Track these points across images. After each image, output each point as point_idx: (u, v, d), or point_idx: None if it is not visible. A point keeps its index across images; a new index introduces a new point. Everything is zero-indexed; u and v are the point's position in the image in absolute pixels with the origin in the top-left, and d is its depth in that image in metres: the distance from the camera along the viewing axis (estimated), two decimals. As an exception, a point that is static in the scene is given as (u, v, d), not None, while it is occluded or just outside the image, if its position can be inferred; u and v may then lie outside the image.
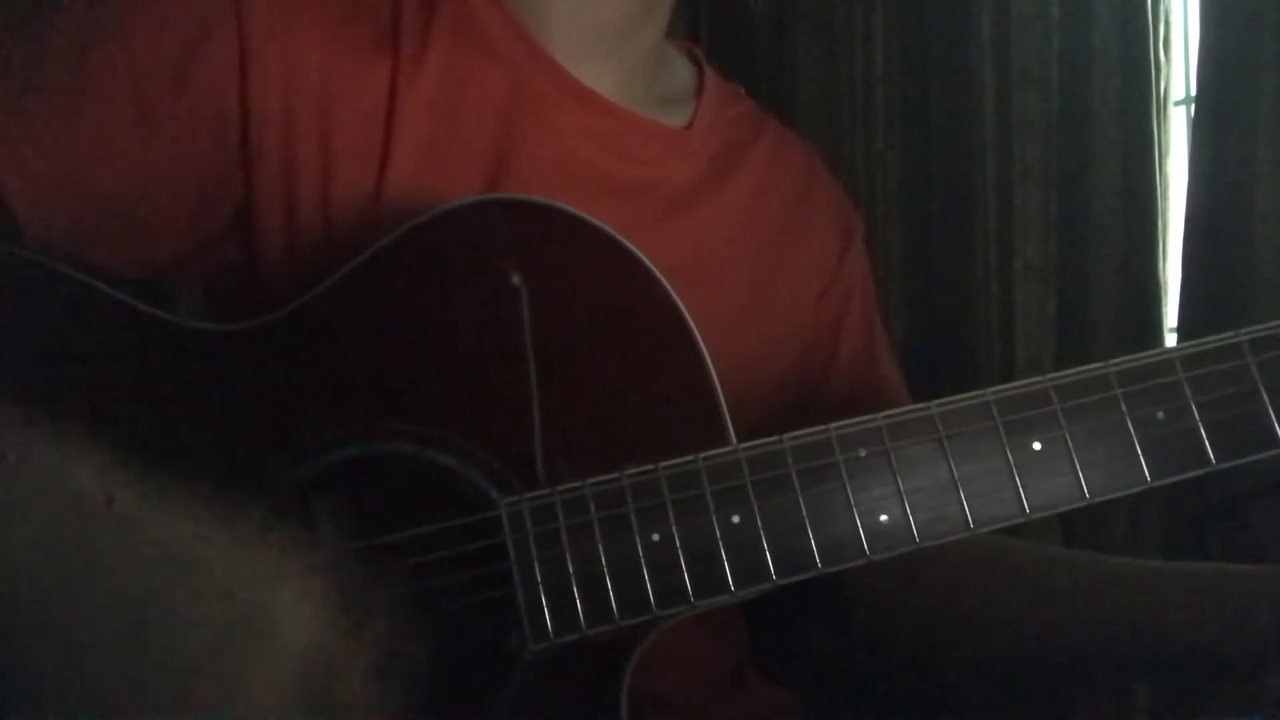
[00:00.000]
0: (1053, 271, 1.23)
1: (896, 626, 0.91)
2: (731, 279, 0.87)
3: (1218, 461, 0.65)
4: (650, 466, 0.65)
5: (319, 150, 0.76)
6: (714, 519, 0.65)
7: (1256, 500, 0.93)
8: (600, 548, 0.64)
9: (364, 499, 0.68)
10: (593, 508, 0.64)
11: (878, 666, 0.98)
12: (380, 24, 0.80)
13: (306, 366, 0.69)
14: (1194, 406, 0.65)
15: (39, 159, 0.70)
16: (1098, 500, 0.65)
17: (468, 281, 0.69)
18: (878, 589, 0.87)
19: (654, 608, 0.64)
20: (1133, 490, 0.65)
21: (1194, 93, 1.10)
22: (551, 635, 0.64)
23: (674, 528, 0.64)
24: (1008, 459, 0.65)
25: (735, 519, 0.65)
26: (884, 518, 0.65)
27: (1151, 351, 0.67)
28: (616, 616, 0.64)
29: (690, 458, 0.65)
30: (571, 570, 0.64)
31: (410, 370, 0.68)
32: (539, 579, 0.64)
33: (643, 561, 0.64)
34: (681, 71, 0.95)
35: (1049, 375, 0.66)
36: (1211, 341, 0.66)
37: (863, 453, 0.65)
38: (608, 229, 0.69)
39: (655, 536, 0.64)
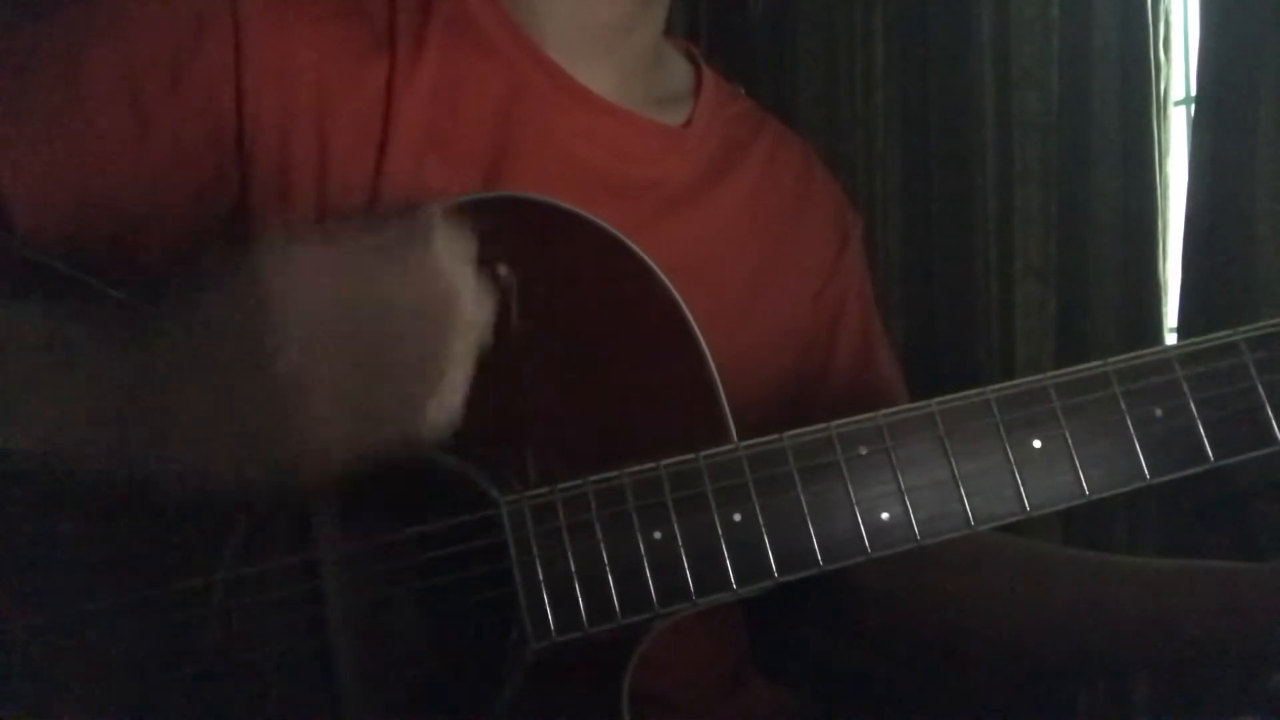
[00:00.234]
0: (1053, 271, 1.23)
1: (896, 626, 0.91)
2: (730, 278, 0.87)
3: (1216, 459, 0.65)
4: (652, 465, 0.65)
5: (315, 149, 0.76)
6: (715, 517, 0.65)
7: (1256, 498, 0.93)
8: (602, 546, 0.64)
9: (364, 498, 0.68)
10: (594, 506, 0.65)
11: (878, 666, 0.98)
12: (377, 23, 0.80)
13: None
14: (1192, 404, 0.66)
15: (35, 158, 0.70)
16: (1097, 497, 0.65)
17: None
18: (877, 588, 0.87)
19: (656, 606, 0.64)
20: (1132, 487, 0.66)
21: (1194, 93, 1.10)
22: (553, 634, 0.64)
23: (676, 526, 0.64)
24: (1008, 456, 0.66)
25: (737, 517, 0.65)
26: (885, 515, 0.65)
27: (1150, 350, 0.67)
28: (619, 615, 0.64)
29: (691, 456, 0.66)
30: (573, 568, 0.64)
31: None
32: (540, 577, 0.64)
33: (644, 559, 0.64)
34: (679, 71, 0.95)
35: (1049, 373, 0.67)
36: (1209, 340, 0.67)
37: (864, 451, 0.66)
38: (607, 226, 0.69)
39: (657, 534, 0.64)
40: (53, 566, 0.63)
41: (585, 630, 0.64)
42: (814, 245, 0.95)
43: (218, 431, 0.60)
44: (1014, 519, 0.66)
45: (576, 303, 0.70)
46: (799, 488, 0.65)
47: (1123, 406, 0.66)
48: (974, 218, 1.29)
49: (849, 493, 0.65)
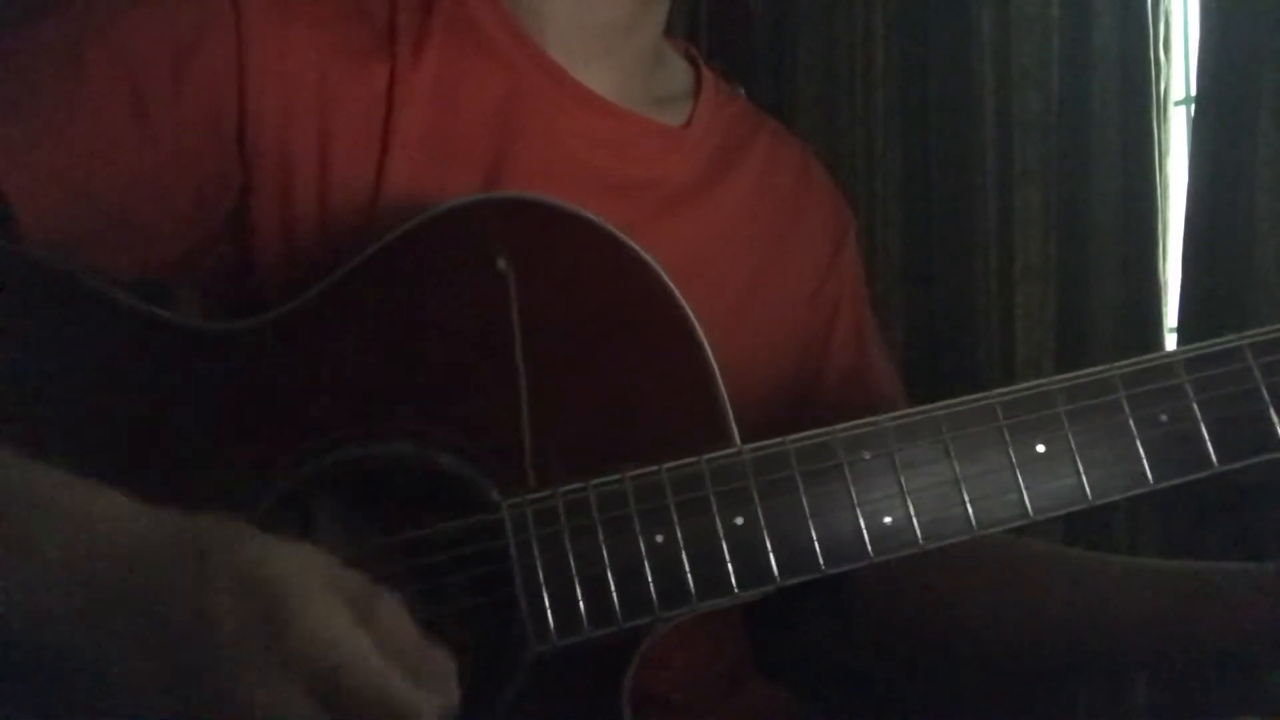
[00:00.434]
0: (1053, 271, 1.23)
1: (896, 625, 0.91)
2: (729, 278, 0.87)
3: (1220, 464, 0.65)
4: (654, 468, 0.65)
5: (316, 150, 0.76)
6: (717, 520, 0.65)
7: (1256, 499, 0.93)
8: (603, 549, 0.64)
9: (365, 501, 0.68)
10: (595, 509, 0.64)
11: (878, 666, 0.98)
12: (377, 24, 0.80)
13: (304, 367, 0.69)
14: (1197, 409, 0.65)
15: (36, 159, 0.70)
16: (1101, 502, 0.65)
17: (467, 280, 0.69)
18: (877, 588, 0.87)
19: (657, 609, 0.64)
20: (1136, 492, 0.65)
21: (1194, 93, 1.10)
22: (554, 636, 0.63)
23: (677, 529, 0.64)
24: (1011, 461, 0.65)
25: (739, 520, 0.65)
26: (888, 519, 0.65)
27: (1155, 354, 0.67)
28: (619, 618, 0.64)
29: (694, 459, 0.65)
30: (574, 571, 0.64)
31: (410, 370, 0.68)
32: (541, 580, 0.64)
33: (646, 563, 0.64)
34: (679, 71, 0.95)
35: (1053, 378, 0.66)
36: (1214, 344, 0.66)
37: (866, 455, 0.66)
38: (610, 227, 0.69)
39: (659, 537, 0.64)
40: None
41: (586, 633, 0.64)
42: (811, 245, 0.95)
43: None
44: (1017, 523, 0.65)
45: (579, 303, 0.69)
46: (801, 491, 0.65)
47: (1127, 411, 0.65)
48: (974, 218, 1.29)
49: (851, 496, 0.65)
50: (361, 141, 0.77)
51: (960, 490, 0.65)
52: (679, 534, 0.64)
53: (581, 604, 0.63)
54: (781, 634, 0.93)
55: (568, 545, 0.64)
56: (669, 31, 0.94)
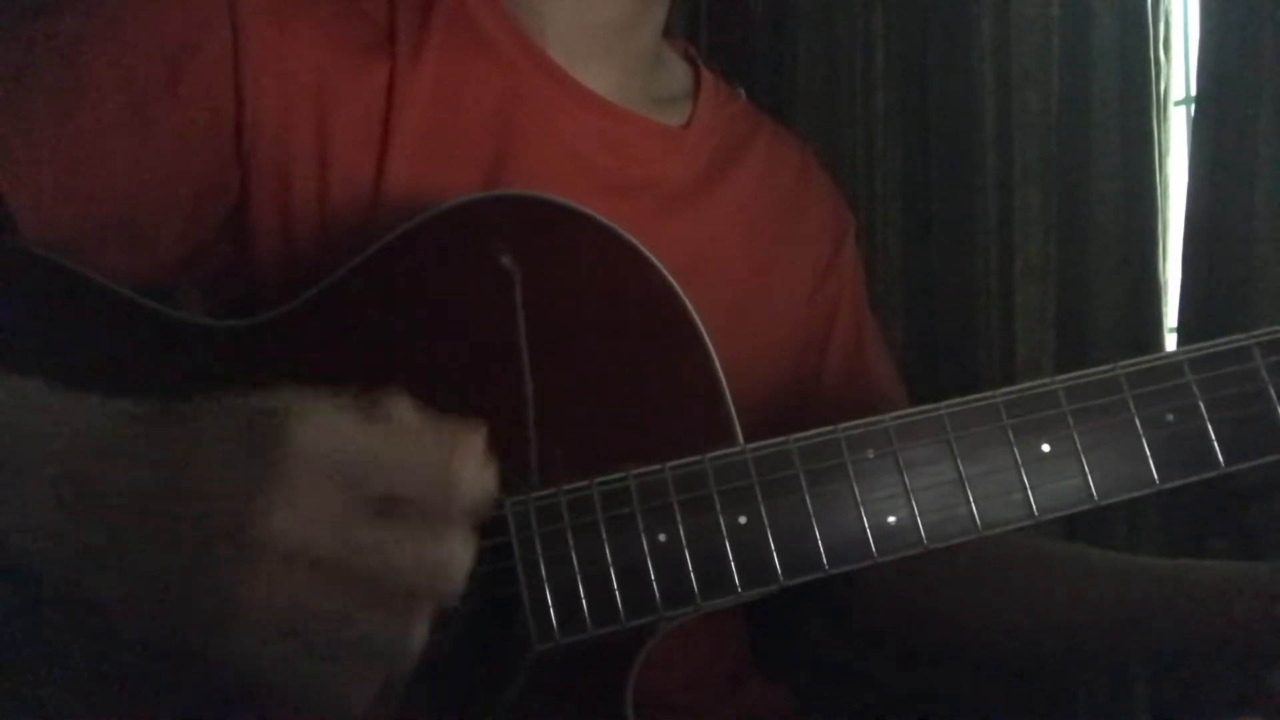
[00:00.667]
0: (1053, 271, 1.23)
1: (897, 625, 0.91)
2: (728, 278, 0.87)
3: (1227, 464, 0.65)
4: (657, 466, 0.65)
5: (315, 150, 0.76)
6: (721, 520, 0.64)
7: (1256, 500, 0.93)
8: (606, 548, 0.64)
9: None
10: (599, 507, 0.64)
11: (878, 666, 0.99)
12: (377, 24, 0.80)
13: (306, 365, 0.68)
14: (1203, 409, 0.65)
15: (35, 158, 0.69)
16: (1106, 503, 0.65)
17: (471, 278, 0.69)
18: (878, 588, 0.87)
19: (660, 608, 0.64)
20: (1141, 493, 0.65)
21: (1194, 93, 1.10)
22: (556, 635, 0.63)
23: (681, 528, 0.64)
24: (1016, 460, 0.65)
25: (742, 520, 0.64)
26: (892, 519, 0.65)
27: (1161, 353, 0.66)
28: (622, 617, 0.64)
29: (697, 458, 0.65)
30: (577, 570, 0.64)
31: (415, 368, 0.68)
32: (544, 579, 0.64)
33: (649, 562, 0.64)
34: (678, 72, 0.96)
35: (1058, 377, 0.66)
36: (1221, 344, 0.66)
37: (870, 454, 0.65)
38: (613, 225, 0.69)
39: (662, 537, 0.64)
40: None
41: (589, 632, 0.63)
42: (811, 245, 0.95)
43: None
44: (1022, 524, 0.65)
45: (582, 302, 0.69)
46: (805, 490, 0.65)
47: (1133, 410, 0.65)
48: (974, 218, 1.29)
49: (855, 496, 0.65)
50: (361, 141, 0.77)
51: (964, 490, 0.65)
52: (682, 533, 0.64)
53: (584, 602, 0.63)
54: (782, 634, 0.93)
55: (571, 543, 0.64)
56: (669, 32, 0.94)
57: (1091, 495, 0.65)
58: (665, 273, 0.69)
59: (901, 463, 0.65)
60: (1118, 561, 0.86)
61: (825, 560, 0.65)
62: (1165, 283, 1.16)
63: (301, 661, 0.50)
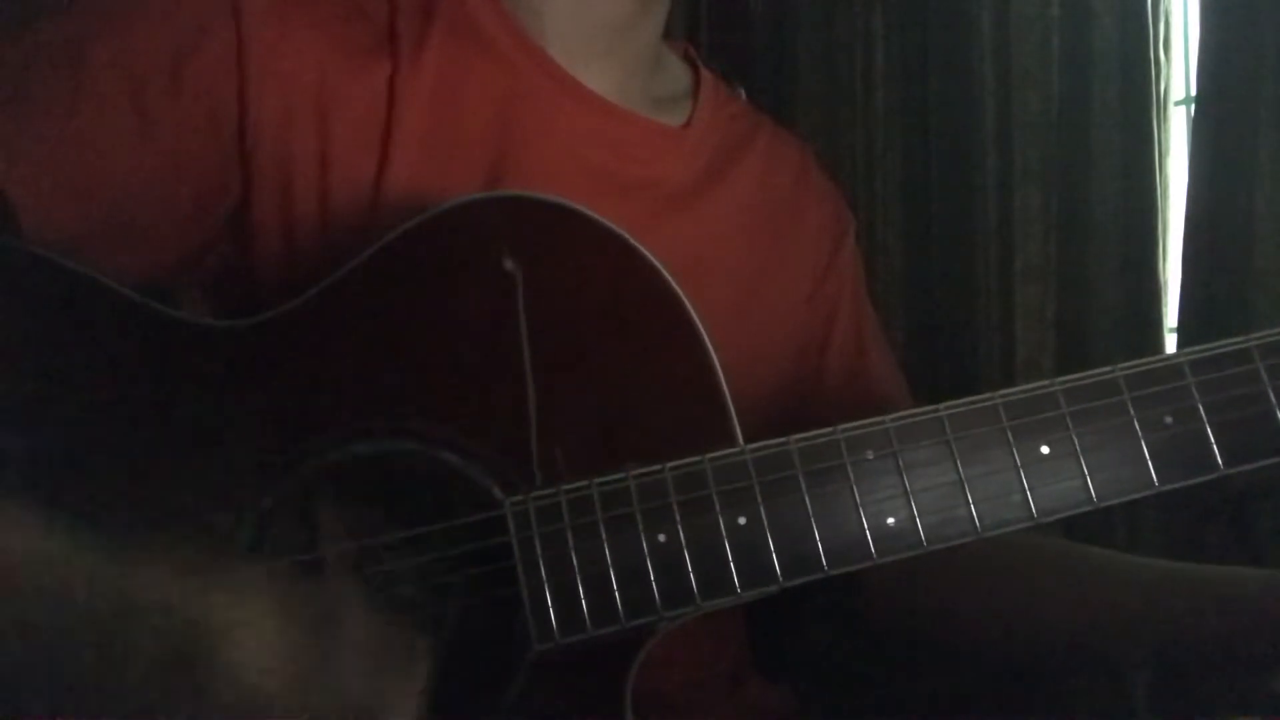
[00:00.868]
0: (1053, 271, 1.23)
1: (897, 625, 0.91)
2: (728, 278, 0.87)
3: (1226, 466, 0.64)
4: (657, 466, 0.65)
5: (316, 150, 0.76)
6: (720, 520, 0.64)
7: (1256, 500, 0.94)
8: (606, 548, 0.64)
9: (368, 498, 0.68)
10: (599, 507, 0.64)
11: (878, 666, 0.98)
12: (377, 24, 0.80)
13: (309, 364, 0.69)
14: (1203, 411, 0.65)
15: (38, 160, 0.70)
16: (1106, 505, 0.65)
17: (470, 278, 0.69)
18: (878, 587, 0.87)
19: (660, 609, 0.64)
20: (1141, 494, 0.65)
21: (1194, 93, 1.10)
22: (556, 635, 0.63)
23: (680, 528, 0.64)
24: (1015, 462, 0.65)
25: (741, 520, 0.64)
26: (891, 520, 0.65)
27: (1160, 356, 0.66)
28: (622, 618, 0.64)
29: (697, 458, 0.65)
30: (577, 570, 0.63)
31: (415, 367, 0.68)
32: (544, 579, 0.64)
33: (649, 562, 0.64)
34: (678, 72, 0.95)
35: (1057, 379, 0.66)
36: (1221, 346, 0.66)
37: (870, 455, 0.65)
38: (613, 226, 0.69)
39: (661, 537, 0.64)
40: None
41: (588, 632, 0.63)
42: (810, 245, 0.95)
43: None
44: (1021, 526, 0.65)
45: (582, 302, 0.69)
46: (804, 491, 0.65)
47: (1132, 412, 0.65)
48: (974, 218, 1.29)
49: (855, 497, 0.65)
50: (362, 142, 0.77)
51: (964, 491, 0.65)
52: (682, 533, 0.64)
53: (584, 602, 0.63)
54: (781, 634, 0.93)
55: (570, 543, 0.64)
56: (669, 32, 0.93)
57: (1091, 497, 0.65)
58: (665, 273, 0.68)
59: (901, 464, 0.65)
60: (1118, 562, 0.86)
61: (825, 561, 0.65)
62: (1165, 283, 1.16)
63: None
